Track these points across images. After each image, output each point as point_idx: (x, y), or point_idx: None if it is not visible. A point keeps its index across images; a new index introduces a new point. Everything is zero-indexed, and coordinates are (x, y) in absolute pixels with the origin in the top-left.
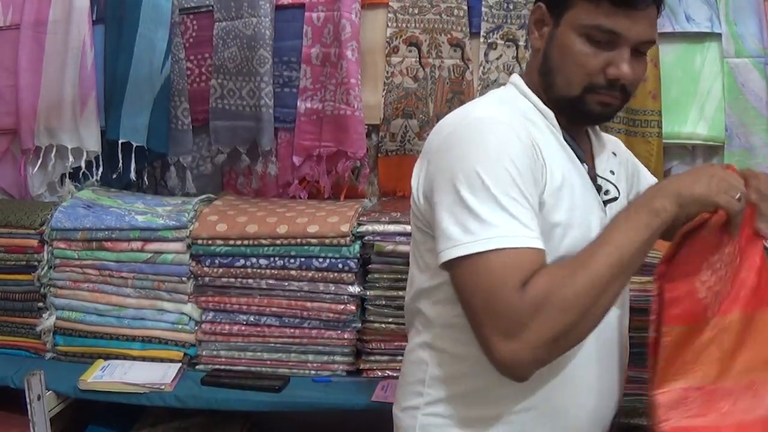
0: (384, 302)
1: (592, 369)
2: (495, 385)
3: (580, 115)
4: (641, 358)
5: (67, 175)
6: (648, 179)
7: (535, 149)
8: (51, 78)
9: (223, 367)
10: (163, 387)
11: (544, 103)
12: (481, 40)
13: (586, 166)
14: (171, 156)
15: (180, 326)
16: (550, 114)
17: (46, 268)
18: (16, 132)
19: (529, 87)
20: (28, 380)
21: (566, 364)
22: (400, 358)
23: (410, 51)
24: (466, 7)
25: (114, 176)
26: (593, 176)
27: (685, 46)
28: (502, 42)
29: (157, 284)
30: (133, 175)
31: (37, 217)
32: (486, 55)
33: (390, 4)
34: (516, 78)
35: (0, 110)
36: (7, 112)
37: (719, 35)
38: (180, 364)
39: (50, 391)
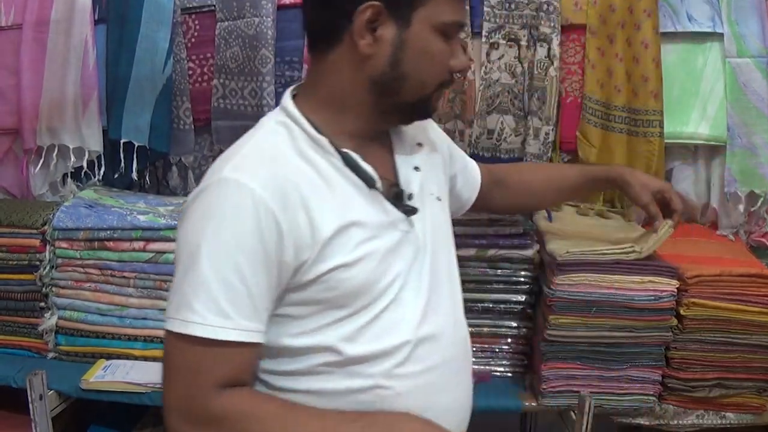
0: None
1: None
2: None
3: (420, 115)
4: (642, 358)
5: (69, 175)
6: (460, 159)
7: (285, 218)
8: (53, 78)
9: None
10: None
11: (323, 124)
12: (483, 40)
13: (379, 183)
14: (173, 156)
15: None
16: (324, 142)
17: (48, 267)
18: (18, 132)
19: (307, 108)
20: (30, 380)
21: (391, 402)
22: None
23: None
24: (467, 8)
25: (116, 176)
26: (390, 186)
27: (687, 46)
28: (504, 42)
29: (159, 284)
30: (135, 175)
31: (39, 216)
32: (488, 55)
33: None
34: (287, 102)
35: (2, 110)
36: (9, 112)
37: (721, 35)
38: None
39: (52, 391)
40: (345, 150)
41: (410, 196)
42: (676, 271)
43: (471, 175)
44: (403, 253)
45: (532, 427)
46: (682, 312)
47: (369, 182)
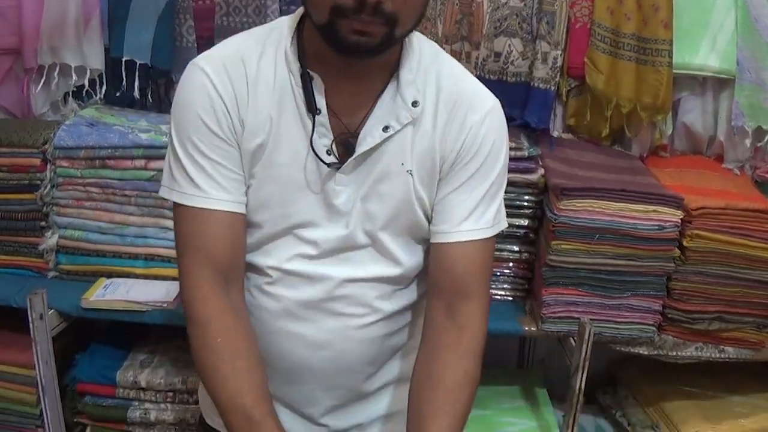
0: None
1: (289, 323)
2: None
3: (336, 45)
4: (643, 288)
5: (71, 94)
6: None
7: (233, 103)
8: None
9: None
10: (165, 305)
11: (308, 43)
12: None
13: (323, 114)
14: (175, 73)
15: None
16: (290, 55)
17: (48, 186)
18: (19, 51)
19: (307, 26)
20: (31, 299)
21: (263, 314)
22: None
23: None
24: None
25: (117, 94)
26: (342, 134)
27: None
28: None
29: (160, 202)
30: (136, 93)
31: (40, 135)
32: None
33: None
34: (294, 14)
35: (2, 30)
36: (10, 32)
37: None
38: None
39: (52, 310)
40: (309, 70)
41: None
42: (680, 201)
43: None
44: (309, 200)
45: (530, 352)
46: (685, 243)
47: (310, 107)
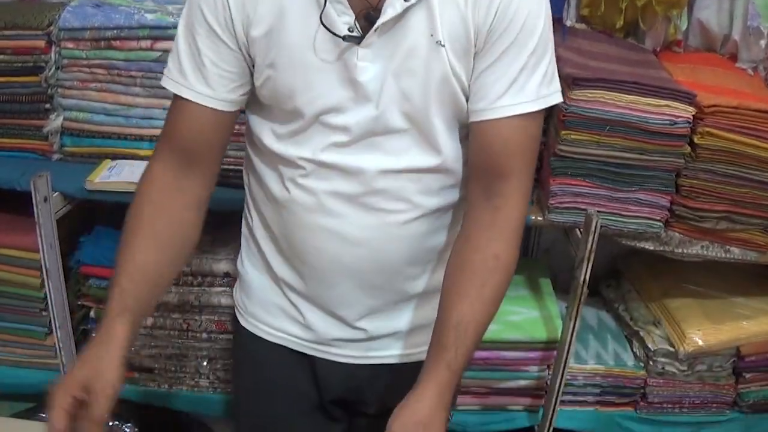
0: None
1: (323, 218)
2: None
3: None
4: (652, 182)
5: None
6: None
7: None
8: None
9: (231, 167)
10: None
11: None
12: None
13: None
14: None
15: None
16: None
17: (53, 68)
18: None
19: None
20: (35, 182)
21: (297, 209)
22: None
23: None
24: None
25: None
26: (360, 8)
27: None
28: None
29: None
30: None
31: (45, 17)
32: None
33: None
34: None
35: None
36: None
37: None
38: None
39: (57, 193)
40: None
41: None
42: (693, 98)
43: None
44: (329, 78)
45: (535, 242)
46: (696, 140)
47: None
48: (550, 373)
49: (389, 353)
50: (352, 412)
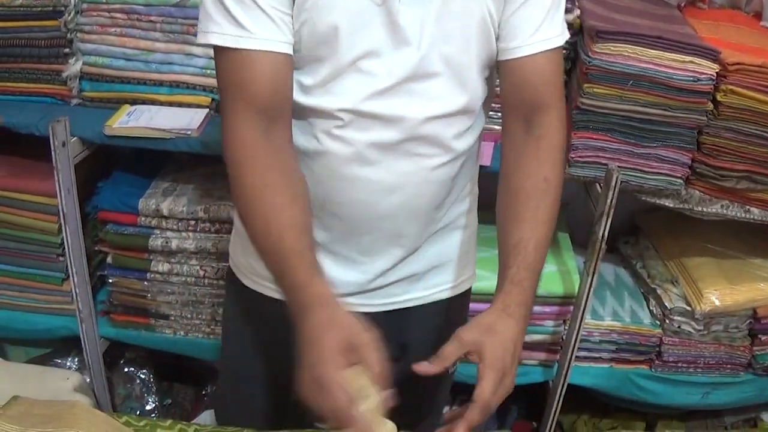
0: None
1: (359, 168)
2: None
3: None
4: (673, 139)
5: None
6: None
7: None
8: None
9: None
10: (189, 132)
11: None
12: None
13: None
14: None
15: (209, 71)
16: None
17: (72, 13)
18: None
19: None
20: (53, 127)
21: (330, 161)
22: None
23: None
24: None
25: None
26: None
27: None
28: None
29: (186, 28)
30: None
31: None
32: None
33: None
34: None
35: None
36: None
37: None
38: (207, 110)
39: (75, 138)
40: None
41: None
42: (717, 55)
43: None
44: (372, 20)
45: None
46: (719, 98)
47: None
48: (566, 328)
49: (407, 297)
50: None
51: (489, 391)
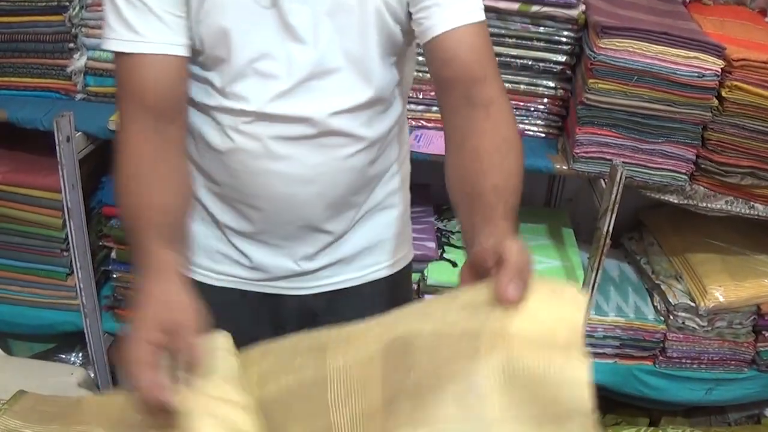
0: None
1: (270, 162)
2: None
3: None
4: (678, 135)
5: None
6: None
7: None
8: None
9: None
10: None
11: None
12: None
13: None
14: None
15: None
16: None
17: (77, 8)
18: None
19: None
20: (58, 122)
21: (242, 156)
22: (435, 108)
23: None
24: None
25: None
26: None
27: None
28: None
29: None
30: None
31: None
32: None
33: None
34: None
35: None
36: None
37: None
38: None
39: (79, 133)
40: None
41: None
42: (722, 50)
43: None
44: (263, 22)
45: (559, 192)
46: (723, 94)
47: None
48: None
49: (340, 278)
50: None
51: (516, 249)
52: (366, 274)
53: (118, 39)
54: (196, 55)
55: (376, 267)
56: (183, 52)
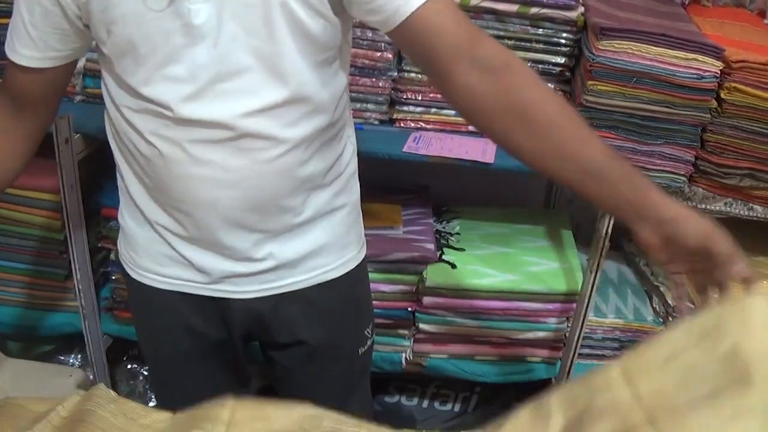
0: None
1: (192, 167)
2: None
3: None
4: (677, 136)
5: None
6: None
7: None
8: None
9: None
10: None
11: None
12: None
13: None
14: None
15: None
16: None
17: None
18: None
19: None
20: (56, 123)
21: (165, 161)
22: (434, 109)
23: None
24: None
25: None
26: None
27: None
28: None
29: None
30: None
31: None
32: None
33: None
34: None
35: None
36: None
37: None
38: None
39: (78, 135)
40: None
41: None
42: (721, 52)
43: None
44: (164, 27)
45: (557, 193)
46: (722, 95)
47: None
48: (569, 325)
49: (286, 282)
50: (265, 344)
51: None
52: (313, 277)
53: (6, 45)
54: (109, 59)
55: (324, 269)
56: (45, 63)
